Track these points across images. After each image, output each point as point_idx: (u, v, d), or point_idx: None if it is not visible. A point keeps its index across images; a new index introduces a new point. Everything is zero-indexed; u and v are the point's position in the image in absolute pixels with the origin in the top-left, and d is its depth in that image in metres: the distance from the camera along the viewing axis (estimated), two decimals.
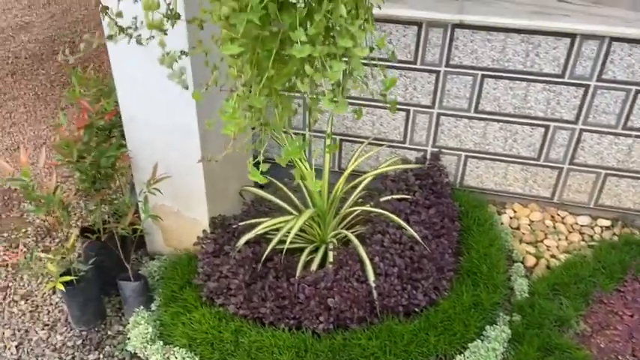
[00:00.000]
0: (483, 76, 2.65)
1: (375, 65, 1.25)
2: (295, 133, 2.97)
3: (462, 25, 2.54)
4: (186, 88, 1.12)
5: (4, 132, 3.70)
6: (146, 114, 2.28)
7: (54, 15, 5.44)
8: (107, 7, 1.09)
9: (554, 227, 2.86)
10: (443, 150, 2.91)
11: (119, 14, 1.07)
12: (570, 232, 2.84)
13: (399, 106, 2.82)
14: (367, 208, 2.53)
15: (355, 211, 2.58)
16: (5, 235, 2.86)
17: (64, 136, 2.20)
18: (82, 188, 2.27)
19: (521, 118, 2.72)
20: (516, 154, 2.83)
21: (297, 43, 0.93)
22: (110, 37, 1.10)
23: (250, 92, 1.02)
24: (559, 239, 2.79)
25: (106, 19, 1.09)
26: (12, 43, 4.88)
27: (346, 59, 1.11)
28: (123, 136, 2.40)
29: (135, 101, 2.28)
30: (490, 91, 2.68)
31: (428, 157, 2.93)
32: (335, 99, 1.00)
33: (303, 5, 0.97)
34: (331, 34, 1.10)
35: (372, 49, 1.07)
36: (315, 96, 1.13)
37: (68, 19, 5.35)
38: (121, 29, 1.08)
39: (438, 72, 2.69)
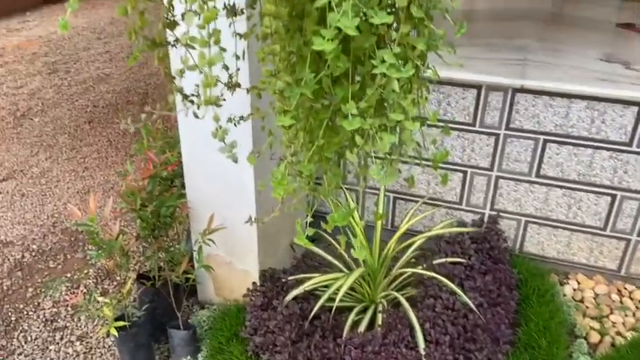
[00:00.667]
0: (545, 140, 2.59)
1: (423, 124, 1.23)
2: (348, 189, 2.98)
3: (523, 90, 2.51)
4: (236, 161, 1.17)
5: (77, 176, 3.94)
6: (206, 167, 2.37)
7: (131, 68, 5.85)
8: (174, 78, 1.17)
9: (621, 302, 2.67)
10: (501, 213, 2.82)
11: (180, 89, 1.15)
12: (638, 309, 2.64)
13: (456, 167, 2.79)
14: (419, 270, 2.47)
15: (407, 272, 2.52)
16: (69, 275, 3.00)
17: (130, 185, 2.31)
18: (142, 235, 2.36)
19: (586, 185, 2.61)
20: (581, 222, 2.70)
21: (348, 115, 0.95)
22: (170, 109, 1.18)
23: (300, 159, 1.05)
24: (626, 315, 2.60)
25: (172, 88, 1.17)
26: (92, 93, 5.26)
27: (397, 129, 1.12)
28: (184, 185, 2.49)
29: (196, 155, 2.38)
30: (553, 156, 2.61)
31: (485, 220, 2.85)
32: (383, 170, 1.01)
33: (357, 79, 1.00)
34: (384, 104, 1.12)
35: (423, 123, 1.08)
36: (365, 164, 1.14)
37: (144, 72, 5.73)
38: (185, 97, 1.16)
39: (497, 135, 2.65)
